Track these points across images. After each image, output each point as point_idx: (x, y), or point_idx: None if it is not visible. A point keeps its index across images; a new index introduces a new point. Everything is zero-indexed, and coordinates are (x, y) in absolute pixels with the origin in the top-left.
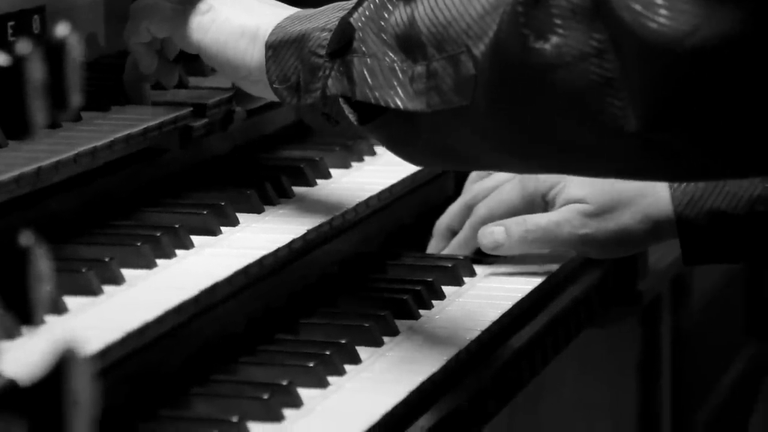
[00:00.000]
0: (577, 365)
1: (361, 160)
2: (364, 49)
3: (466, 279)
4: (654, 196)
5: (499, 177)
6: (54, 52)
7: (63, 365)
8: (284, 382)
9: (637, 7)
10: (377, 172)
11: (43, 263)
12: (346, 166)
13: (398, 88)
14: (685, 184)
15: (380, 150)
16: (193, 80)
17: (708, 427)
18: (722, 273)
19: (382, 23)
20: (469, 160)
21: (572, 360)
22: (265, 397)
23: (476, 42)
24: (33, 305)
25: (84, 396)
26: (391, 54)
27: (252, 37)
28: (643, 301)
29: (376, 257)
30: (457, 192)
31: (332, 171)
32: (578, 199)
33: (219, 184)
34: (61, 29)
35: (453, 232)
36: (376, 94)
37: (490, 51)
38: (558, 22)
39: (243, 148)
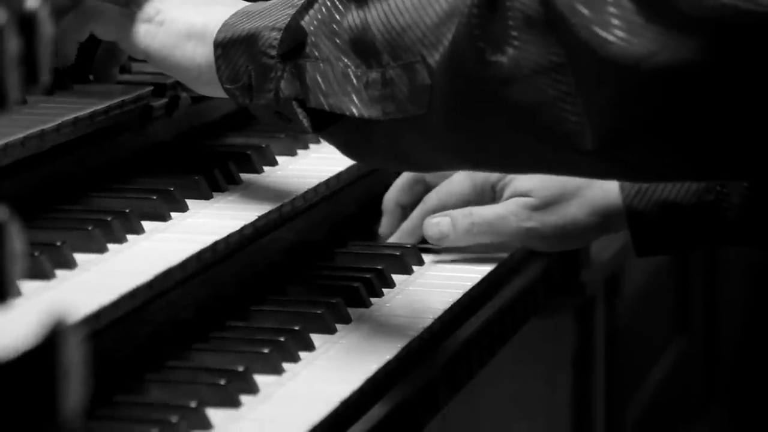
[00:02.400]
0: (513, 358)
1: (306, 147)
2: (317, 53)
3: (414, 267)
4: (601, 187)
5: None
6: (25, 24)
7: (54, 336)
8: (240, 369)
9: (595, 27)
10: (323, 159)
11: (16, 240)
12: (292, 153)
13: (353, 95)
14: None
15: None
16: (136, 66)
17: (638, 421)
18: (653, 269)
19: (335, 26)
20: (424, 165)
21: (508, 352)
22: (222, 383)
23: (431, 51)
24: (7, 281)
25: (75, 367)
26: (344, 59)
27: (200, 37)
28: (587, 292)
29: (323, 245)
30: None
31: (278, 158)
32: (524, 191)
33: (166, 170)
34: (32, 1)
35: (402, 207)
36: (331, 101)
37: (446, 61)
38: (514, 33)
39: (187, 135)
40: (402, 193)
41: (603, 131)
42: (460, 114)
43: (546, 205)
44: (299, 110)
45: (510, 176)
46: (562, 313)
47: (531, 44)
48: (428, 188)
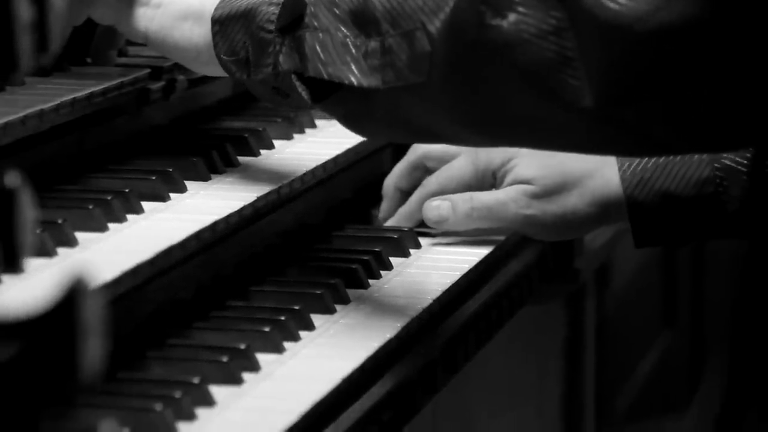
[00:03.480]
0: (504, 344)
1: (302, 131)
2: (315, 23)
3: (412, 250)
4: (602, 177)
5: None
6: None
7: (73, 295)
8: (242, 346)
9: None
10: (319, 143)
11: (28, 207)
12: (288, 137)
13: (352, 64)
14: (634, 165)
15: (321, 122)
16: (133, 49)
17: (626, 411)
18: (643, 259)
19: None
20: (425, 134)
21: (500, 339)
22: (224, 360)
23: (431, 18)
24: (19, 247)
25: (94, 327)
26: (343, 29)
27: (197, 17)
28: (580, 279)
29: (321, 228)
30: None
31: (275, 142)
32: (526, 179)
33: (164, 152)
34: None
35: (401, 192)
36: (329, 70)
37: (446, 27)
38: None
39: (183, 119)
40: (401, 178)
41: (603, 92)
42: (460, 80)
43: (547, 193)
44: (298, 83)
45: (512, 163)
46: (554, 300)
47: (532, 8)
48: (428, 173)
